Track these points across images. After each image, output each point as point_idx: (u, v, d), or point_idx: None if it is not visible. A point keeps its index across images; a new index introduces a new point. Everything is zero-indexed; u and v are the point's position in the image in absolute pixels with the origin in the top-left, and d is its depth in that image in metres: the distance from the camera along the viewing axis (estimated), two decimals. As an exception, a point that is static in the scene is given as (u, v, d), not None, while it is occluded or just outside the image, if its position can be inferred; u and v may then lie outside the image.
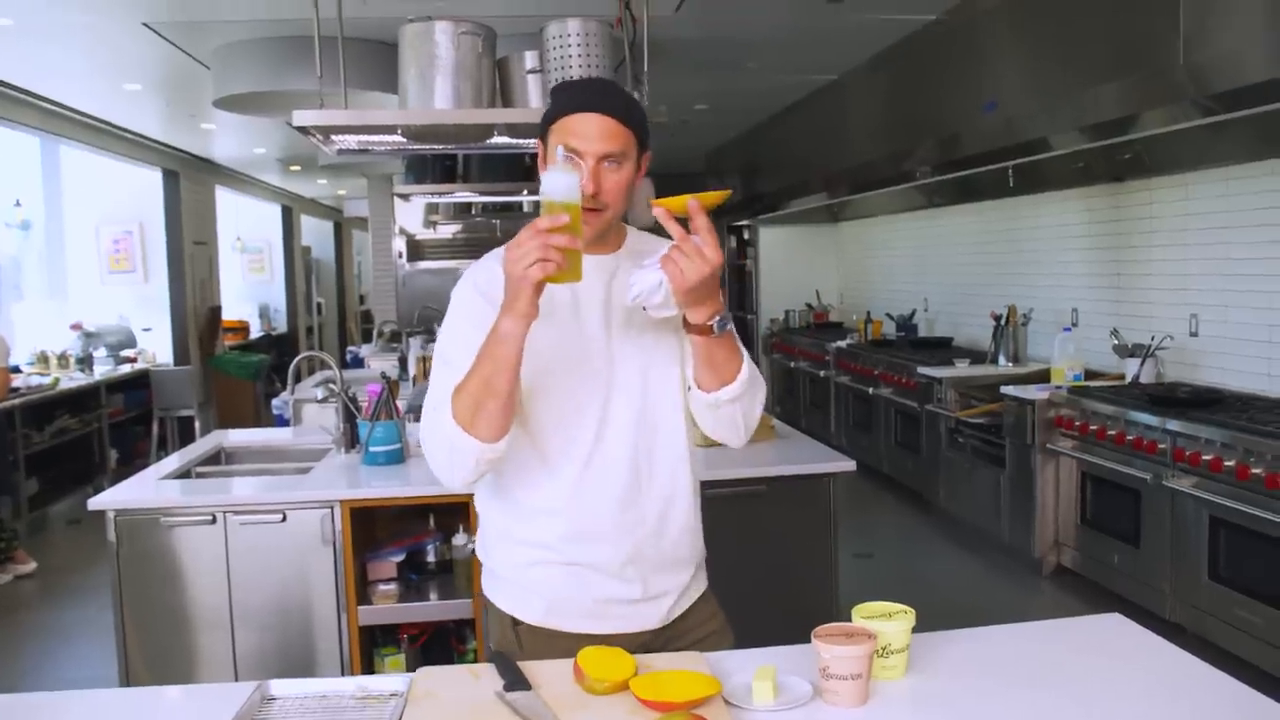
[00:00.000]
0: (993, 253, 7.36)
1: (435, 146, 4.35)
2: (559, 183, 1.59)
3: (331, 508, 3.34)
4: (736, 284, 12.22)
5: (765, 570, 3.62)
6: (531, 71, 4.02)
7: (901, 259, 9.07)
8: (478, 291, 1.79)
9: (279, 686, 1.68)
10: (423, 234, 12.49)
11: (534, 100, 4.03)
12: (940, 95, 5.85)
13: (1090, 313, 6.11)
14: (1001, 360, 6.48)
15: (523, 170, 7.01)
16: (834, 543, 3.60)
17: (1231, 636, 4.00)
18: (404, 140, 4.12)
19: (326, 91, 4.03)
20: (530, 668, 1.69)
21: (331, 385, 4.27)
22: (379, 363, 7.77)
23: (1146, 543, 4.49)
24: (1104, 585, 4.84)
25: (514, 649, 1.83)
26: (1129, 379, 5.25)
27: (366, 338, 12.96)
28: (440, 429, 1.70)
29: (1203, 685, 1.65)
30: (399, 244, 12.64)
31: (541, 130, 1.81)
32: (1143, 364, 5.22)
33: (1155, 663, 1.75)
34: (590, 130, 1.72)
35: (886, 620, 1.68)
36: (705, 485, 3.46)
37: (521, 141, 4.19)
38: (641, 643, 1.84)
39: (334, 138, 4.15)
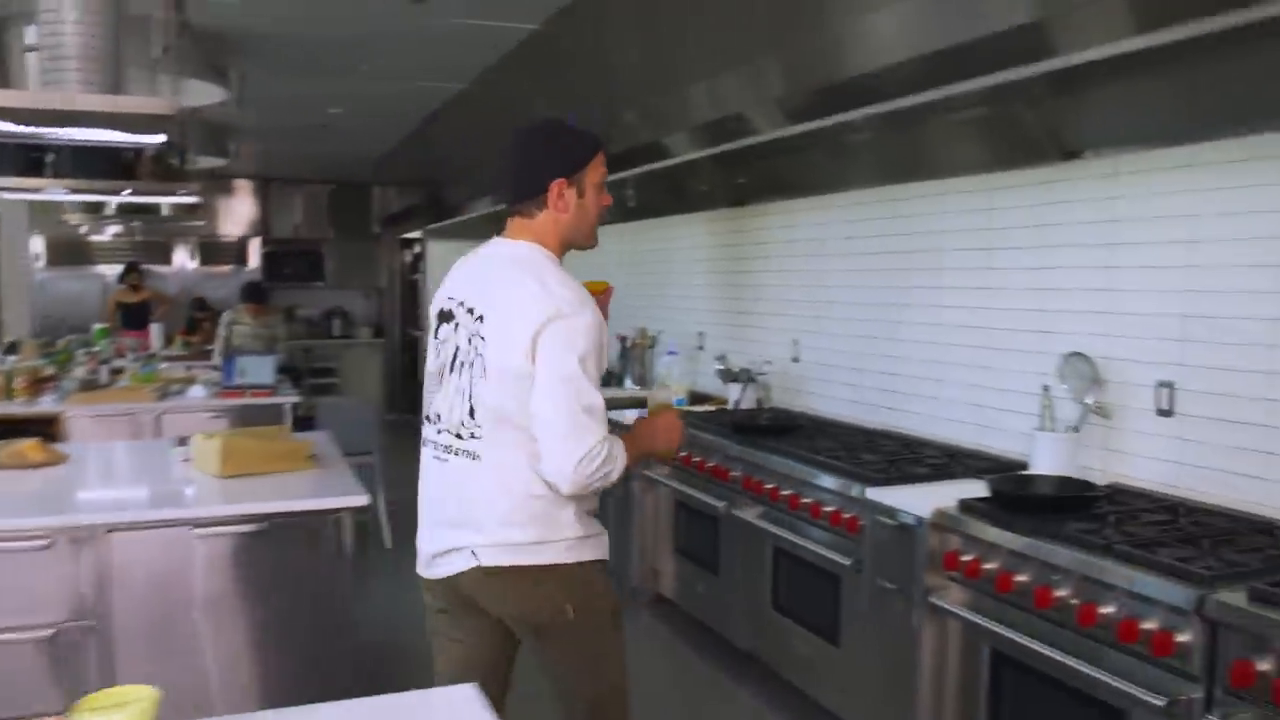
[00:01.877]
0: (639, 274, 7.29)
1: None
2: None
3: None
4: (408, 299, 11.81)
5: (272, 621, 3.25)
6: (29, 49, 3.49)
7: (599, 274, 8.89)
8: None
9: None
10: (72, 235, 11.33)
11: (33, 82, 3.49)
12: (567, 100, 5.67)
13: (715, 336, 6.10)
14: (628, 383, 6.38)
15: (122, 167, 6.32)
16: (347, 588, 3.27)
17: (790, 666, 3.96)
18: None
19: None
20: None
21: None
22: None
23: (723, 572, 4.41)
24: (694, 615, 4.74)
25: (602, 585, 2.44)
26: (730, 404, 5.21)
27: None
28: (611, 456, 2.28)
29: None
30: (37, 244, 11.45)
31: (570, 170, 2.36)
32: (744, 389, 5.19)
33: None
34: None
35: (111, 712, 1.34)
36: (202, 523, 3.10)
37: (19, 129, 3.62)
38: None
39: None
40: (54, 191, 6.70)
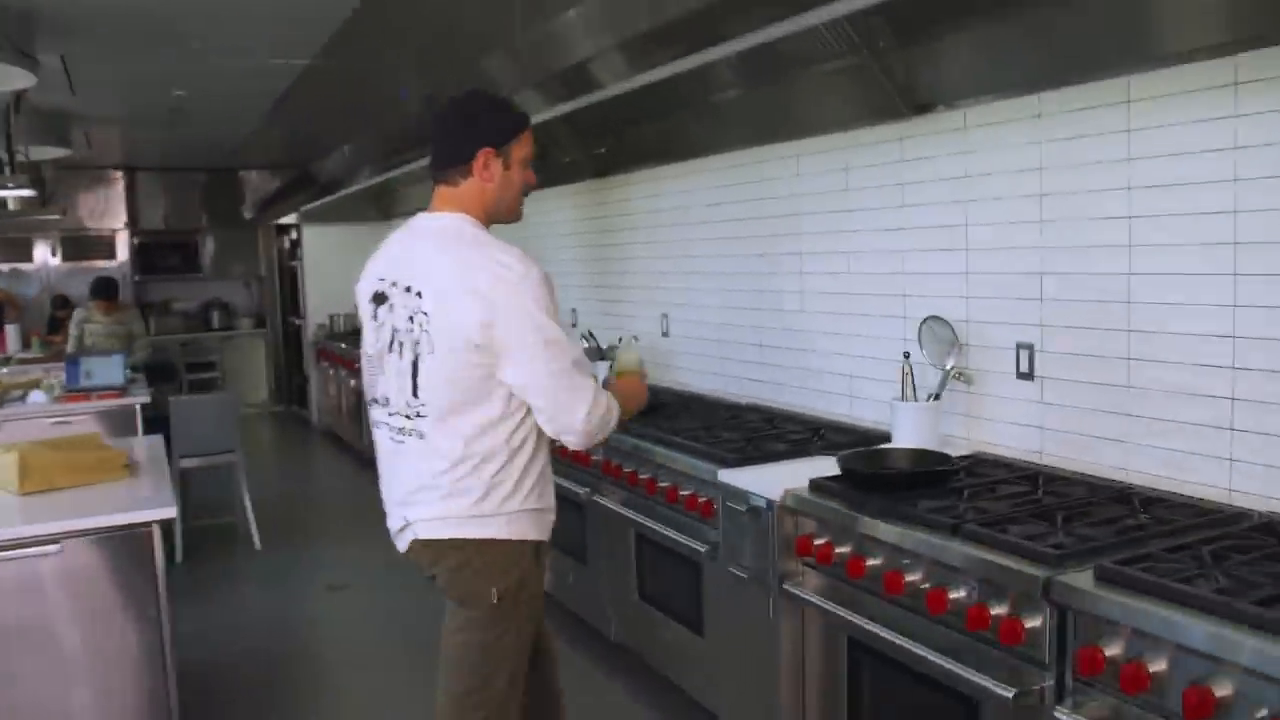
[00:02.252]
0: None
1: None
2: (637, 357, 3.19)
3: None
4: (288, 287, 11.37)
5: (75, 651, 2.95)
6: None
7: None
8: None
9: None
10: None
11: None
12: (420, 64, 5.34)
13: (587, 313, 5.88)
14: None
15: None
16: (160, 609, 2.99)
17: (660, 657, 3.77)
18: None
19: None
20: None
21: None
22: None
23: (591, 561, 4.20)
24: (567, 606, 4.52)
25: (535, 570, 2.41)
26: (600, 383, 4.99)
27: None
28: (610, 405, 2.39)
29: None
30: None
31: (498, 141, 2.35)
32: (611, 367, 4.96)
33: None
34: None
35: None
36: None
37: None
38: None
39: None
40: None
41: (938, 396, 3.22)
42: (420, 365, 2.28)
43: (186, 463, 6.07)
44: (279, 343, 11.77)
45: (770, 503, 2.87)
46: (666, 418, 4.00)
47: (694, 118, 4.26)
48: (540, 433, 2.36)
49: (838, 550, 2.65)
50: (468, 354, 2.22)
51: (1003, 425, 3.15)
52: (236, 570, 5.92)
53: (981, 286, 3.19)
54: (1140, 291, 2.69)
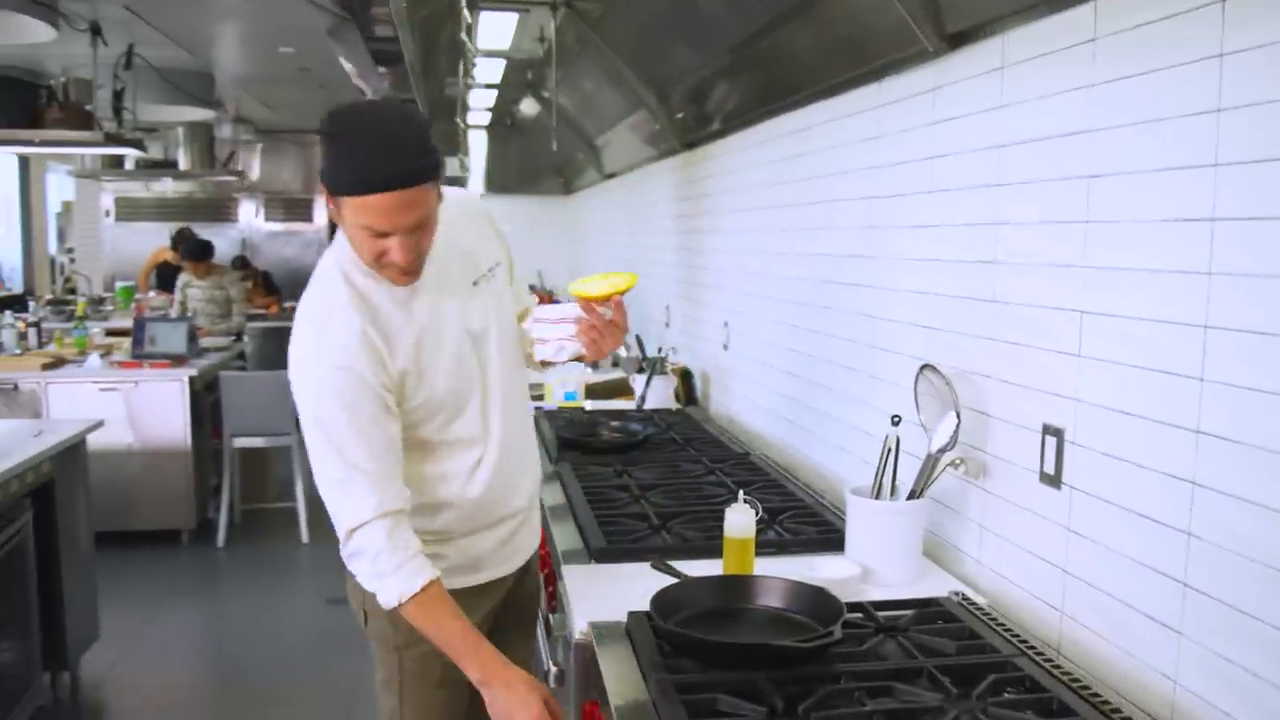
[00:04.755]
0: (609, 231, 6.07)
1: None
2: (744, 522, 1.93)
3: None
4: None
5: None
6: None
7: (608, 234, 7.70)
8: (347, 372, 1.68)
9: None
10: (140, 193, 10.97)
11: None
12: None
13: (679, 316, 4.87)
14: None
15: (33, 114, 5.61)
16: None
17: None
18: None
19: None
20: None
21: None
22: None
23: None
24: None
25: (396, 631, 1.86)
26: (636, 401, 4.00)
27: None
28: (381, 573, 1.69)
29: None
30: (106, 200, 11.10)
31: (327, 184, 1.63)
32: (648, 382, 3.96)
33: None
34: (393, 210, 1.59)
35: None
36: None
37: None
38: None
39: None
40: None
41: (918, 494, 2.04)
42: None
43: (240, 442, 5.58)
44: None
45: (570, 637, 1.83)
46: (626, 463, 2.98)
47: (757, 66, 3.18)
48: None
49: (615, 751, 1.57)
50: None
51: (1017, 552, 1.93)
52: (267, 564, 5.43)
53: (1008, 324, 1.97)
54: (1219, 361, 1.44)
